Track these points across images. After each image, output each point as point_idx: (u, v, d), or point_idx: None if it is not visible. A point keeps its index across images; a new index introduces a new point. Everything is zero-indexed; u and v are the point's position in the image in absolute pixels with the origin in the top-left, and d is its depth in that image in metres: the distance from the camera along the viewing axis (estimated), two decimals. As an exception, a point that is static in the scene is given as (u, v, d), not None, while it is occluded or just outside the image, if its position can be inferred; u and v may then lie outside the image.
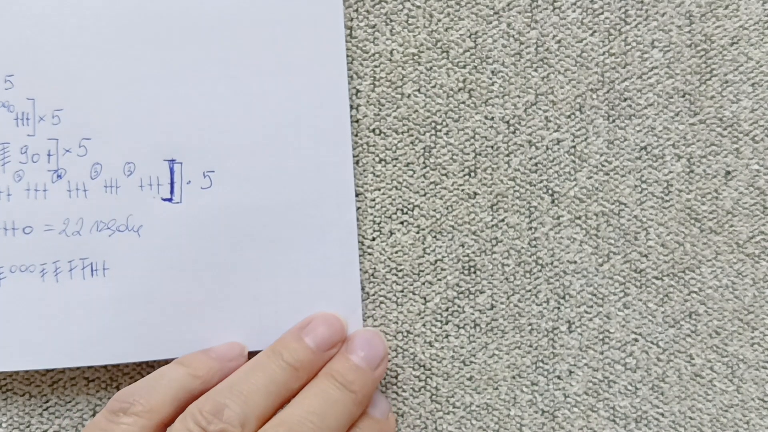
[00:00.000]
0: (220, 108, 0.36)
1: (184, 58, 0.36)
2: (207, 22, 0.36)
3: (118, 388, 0.38)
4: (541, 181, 0.39)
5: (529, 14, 0.39)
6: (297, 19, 0.37)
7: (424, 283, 0.39)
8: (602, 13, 0.39)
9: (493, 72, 0.39)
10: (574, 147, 0.39)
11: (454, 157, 0.39)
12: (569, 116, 0.39)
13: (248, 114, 0.36)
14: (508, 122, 0.39)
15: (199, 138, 0.36)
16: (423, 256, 0.39)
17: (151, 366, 0.38)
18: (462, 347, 0.39)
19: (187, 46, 0.36)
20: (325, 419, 0.32)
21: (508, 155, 0.39)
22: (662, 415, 0.39)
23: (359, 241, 0.38)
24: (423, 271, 0.39)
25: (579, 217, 0.39)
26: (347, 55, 0.38)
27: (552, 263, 0.39)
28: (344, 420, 0.33)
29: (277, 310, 0.37)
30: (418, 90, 0.38)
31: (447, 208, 0.39)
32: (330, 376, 0.34)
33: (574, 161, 0.39)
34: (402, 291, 0.39)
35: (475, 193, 0.39)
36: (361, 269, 0.38)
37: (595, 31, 0.39)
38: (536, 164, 0.39)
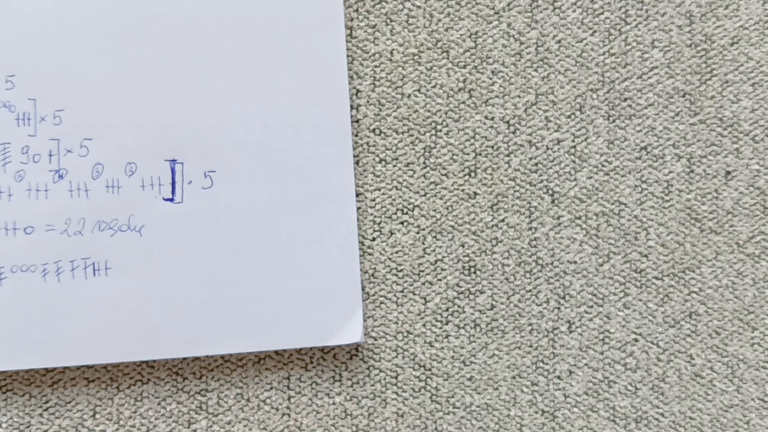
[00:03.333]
0: (221, 108, 0.36)
1: (185, 59, 0.36)
2: (208, 23, 0.36)
3: (118, 389, 0.38)
4: (541, 181, 0.39)
5: (529, 14, 0.39)
6: (298, 20, 0.37)
7: (424, 283, 0.39)
8: (602, 13, 0.39)
9: (493, 72, 0.39)
10: (574, 147, 0.39)
11: (454, 157, 0.39)
12: (569, 116, 0.39)
13: (249, 114, 0.37)
14: (508, 122, 0.39)
15: (200, 138, 0.36)
16: (423, 256, 0.39)
17: (151, 366, 0.38)
18: (462, 347, 0.39)
19: (188, 46, 0.36)
20: None
21: (508, 155, 0.39)
22: (662, 415, 0.39)
23: (359, 241, 0.38)
24: (423, 271, 0.39)
25: (579, 217, 0.39)
26: (347, 55, 0.38)
27: (552, 263, 0.39)
28: None
29: (278, 311, 0.37)
30: (418, 90, 0.38)
31: (447, 208, 0.39)
32: None
33: (574, 161, 0.39)
34: (402, 291, 0.39)
35: (475, 193, 0.39)
36: (361, 269, 0.38)
37: (595, 31, 0.39)
38: (536, 164, 0.39)
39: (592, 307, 0.39)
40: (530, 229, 0.39)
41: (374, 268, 0.38)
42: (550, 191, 0.39)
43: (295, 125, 0.37)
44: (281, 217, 0.37)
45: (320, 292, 0.37)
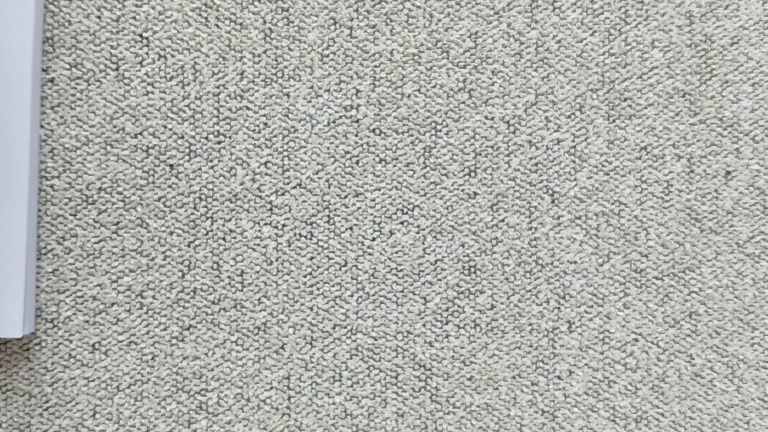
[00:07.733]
0: None
1: None
2: None
3: (118, 389, 0.38)
4: (541, 181, 0.39)
5: (529, 14, 0.39)
6: None
7: (424, 283, 0.39)
8: (602, 13, 0.39)
9: (493, 72, 0.39)
10: (574, 147, 0.39)
11: (454, 157, 0.39)
12: (569, 116, 0.39)
13: None
14: (508, 122, 0.39)
15: None
16: (423, 256, 0.39)
17: (151, 366, 0.38)
18: (462, 347, 0.39)
19: None
20: None
21: (508, 155, 0.39)
22: (662, 415, 0.39)
23: (359, 241, 0.38)
24: (423, 271, 0.39)
25: (579, 217, 0.39)
26: (347, 55, 0.38)
27: (552, 263, 0.39)
28: None
29: None
30: (418, 90, 0.38)
31: (447, 208, 0.39)
32: None
33: (574, 161, 0.39)
34: (402, 291, 0.39)
35: (475, 193, 0.39)
36: (361, 269, 0.38)
37: (595, 31, 0.39)
38: (536, 164, 0.39)
39: (592, 307, 0.39)
40: (530, 229, 0.39)
41: (374, 268, 0.38)
42: (550, 191, 0.39)
43: None
44: None
45: None
